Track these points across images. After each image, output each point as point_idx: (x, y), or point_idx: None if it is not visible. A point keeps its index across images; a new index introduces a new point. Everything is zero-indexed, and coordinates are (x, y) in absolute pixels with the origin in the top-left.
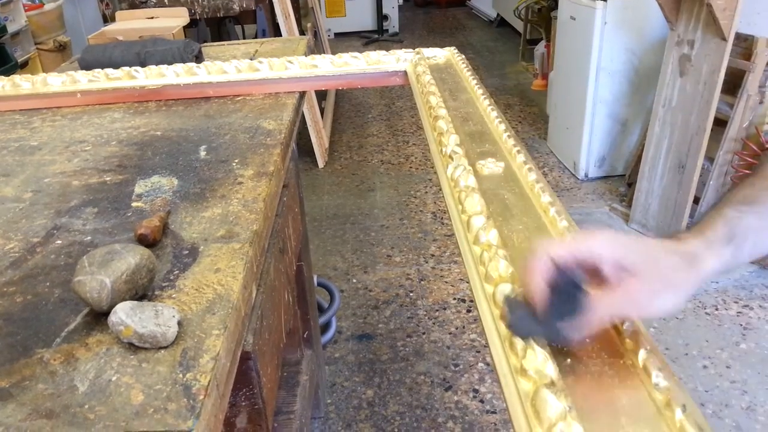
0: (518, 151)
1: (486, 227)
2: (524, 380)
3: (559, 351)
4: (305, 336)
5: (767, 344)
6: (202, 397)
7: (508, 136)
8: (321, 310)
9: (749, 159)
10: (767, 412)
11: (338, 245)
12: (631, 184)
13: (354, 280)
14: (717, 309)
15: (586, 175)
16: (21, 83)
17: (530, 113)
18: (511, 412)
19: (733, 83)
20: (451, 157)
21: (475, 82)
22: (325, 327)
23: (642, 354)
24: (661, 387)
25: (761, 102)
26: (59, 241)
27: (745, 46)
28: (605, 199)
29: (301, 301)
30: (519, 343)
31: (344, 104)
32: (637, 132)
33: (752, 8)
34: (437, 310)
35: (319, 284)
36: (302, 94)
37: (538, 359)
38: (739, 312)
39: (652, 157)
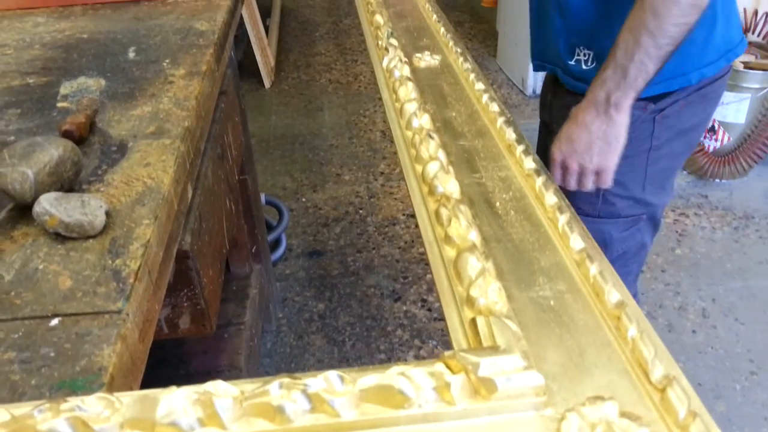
0: (455, 44)
1: (418, 113)
2: (448, 247)
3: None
4: (253, 251)
5: (700, 249)
6: (132, 280)
7: (446, 32)
8: (270, 228)
9: None
10: (697, 311)
11: (287, 165)
12: None
13: (303, 199)
14: None
15: (534, 92)
16: None
17: (480, 30)
18: (435, 278)
19: None
20: (386, 49)
21: None
22: (276, 244)
23: (562, 219)
24: (578, 249)
25: None
26: None
27: None
28: None
29: (247, 216)
30: (445, 213)
31: (290, 22)
32: None
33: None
34: (387, 226)
35: (268, 202)
36: None
37: (462, 226)
38: (676, 220)
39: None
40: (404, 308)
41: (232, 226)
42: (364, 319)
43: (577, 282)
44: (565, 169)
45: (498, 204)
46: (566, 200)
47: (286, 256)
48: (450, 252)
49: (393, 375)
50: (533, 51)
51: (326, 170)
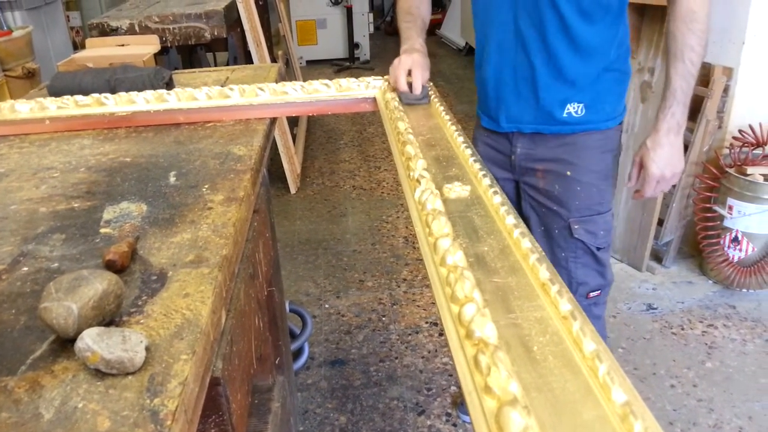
0: (484, 175)
1: (452, 249)
2: (488, 398)
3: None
4: (277, 362)
5: (731, 362)
6: (169, 422)
7: (474, 161)
8: (293, 336)
9: (710, 182)
10: (733, 430)
11: (310, 270)
12: None
13: (326, 306)
14: (683, 329)
15: None
16: None
17: None
18: (476, 430)
19: (693, 109)
20: (418, 180)
21: (442, 108)
22: (298, 353)
23: (602, 369)
24: (621, 403)
25: (720, 127)
26: (25, 268)
27: (703, 73)
28: None
29: (272, 327)
30: (484, 360)
31: (316, 130)
32: None
33: (708, 37)
34: (410, 334)
35: (291, 310)
36: (273, 120)
37: (502, 376)
38: (704, 331)
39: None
40: (428, 422)
41: (260, 344)
42: None
43: None
44: (659, 179)
45: (535, 348)
46: (604, 344)
47: (308, 364)
48: (490, 403)
49: None
50: (506, 115)
51: (349, 276)
